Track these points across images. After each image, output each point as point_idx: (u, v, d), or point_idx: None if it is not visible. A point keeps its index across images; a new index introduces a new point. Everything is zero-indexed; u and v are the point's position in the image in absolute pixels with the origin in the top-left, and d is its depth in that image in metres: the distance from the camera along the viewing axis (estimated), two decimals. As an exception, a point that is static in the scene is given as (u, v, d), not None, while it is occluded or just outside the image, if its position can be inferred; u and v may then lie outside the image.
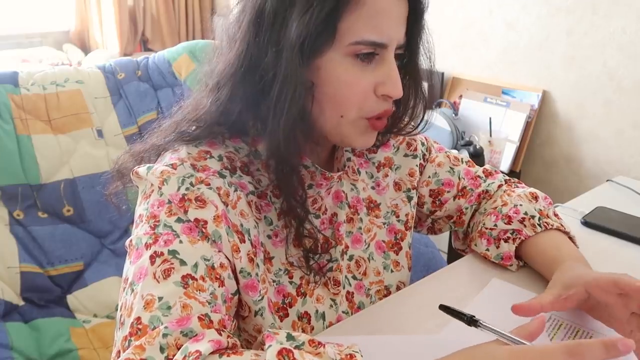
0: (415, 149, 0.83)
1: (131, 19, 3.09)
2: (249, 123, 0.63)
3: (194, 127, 0.64)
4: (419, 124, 0.75)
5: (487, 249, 0.81)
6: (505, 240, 0.79)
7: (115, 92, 1.30)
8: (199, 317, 0.51)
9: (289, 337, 0.50)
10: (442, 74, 2.14)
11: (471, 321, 0.55)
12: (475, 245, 0.83)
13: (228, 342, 0.50)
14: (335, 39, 0.57)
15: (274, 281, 0.67)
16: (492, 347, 0.50)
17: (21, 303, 1.09)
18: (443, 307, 0.58)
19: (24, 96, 1.17)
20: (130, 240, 0.59)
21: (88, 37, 3.07)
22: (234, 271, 0.60)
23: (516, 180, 0.90)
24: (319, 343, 0.50)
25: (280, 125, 0.58)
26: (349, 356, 0.49)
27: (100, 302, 1.17)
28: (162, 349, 0.48)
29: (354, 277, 0.75)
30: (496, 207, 0.82)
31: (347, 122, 0.62)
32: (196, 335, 0.49)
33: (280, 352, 0.47)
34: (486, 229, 0.81)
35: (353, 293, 0.75)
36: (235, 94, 0.60)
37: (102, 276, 1.19)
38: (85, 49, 3.06)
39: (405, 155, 0.82)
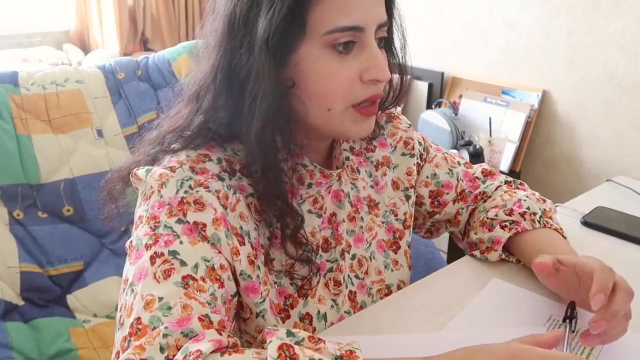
0: (413, 148, 0.83)
1: (131, 19, 3.09)
2: (236, 129, 0.63)
3: (180, 141, 0.63)
4: (398, 95, 0.73)
5: (482, 235, 0.82)
6: (502, 227, 0.80)
7: (115, 91, 1.30)
8: (199, 318, 0.50)
9: (289, 333, 0.50)
10: (442, 74, 2.14)
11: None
12: (476, 233, 0.83)
13: (229, 342, 0.50)
14: (307, 31, 0.57)
15: (275, 282, 0.66)
16: (493, 345, 0.51)
17: (21, 303, 1.09)
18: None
19: (23, 96, 1.17)
20: (131, 242, 0.59)
21: (88, 37, 3.07)
22: (233, 273, 0.60)
23: (518, 181, 0.90)
24: (319, 339, 0.50)
25: (253, 127, 0.57)
26: (348, 352, 0.49)
27: (100, 302, 1.17)
28: (162, 349, 0.48)
29: (357, 277, 0.75)
30: (498, 203, 0.82)
31: (336, 114, 0.61)
32: (196, 335, 0.49)
33: (280, 347, 0.47)
34: (487, 218, 0.82)
35: (355, 292, 0.74)
36: (216, 102, 0.60)
37: (102, 276, 1.19)
38: (85, 48, 3.06)
39: (403, 154, 0.82)
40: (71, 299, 1.15)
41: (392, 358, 0.53)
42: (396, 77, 0.72)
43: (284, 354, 0.47)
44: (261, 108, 0.57)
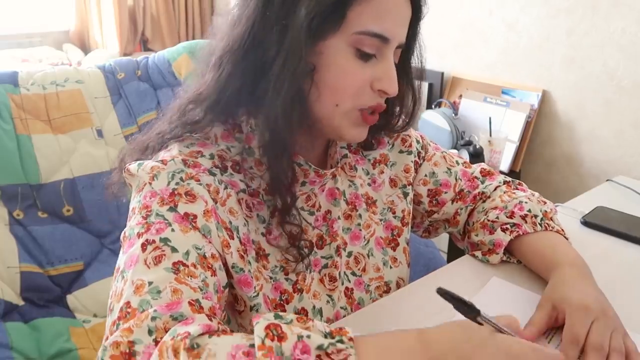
0: (410, 146, 0.83)
1: (131, 19, 3.09)
2: (243, 108, 0.64)
3: (197, 110, 0.64)
4: (408, 121, 0.76)
5: (483, 237, 0.82)
6: (503, 230, 0.80)
7: (115, 91, 1.30)
8: (189, 302, 0.50)
9: (277, 316, 0.49)
10: (442, 73, 2.14)
11: (469, 311, 0.50)
12: (477, 235, 0.83)
13: (218, 327, 0.50)
14: (342, 25, 0.59)
15: (270, 278, 0.67)
16: (487, 335, 0.51)
17: (21, 303, 1.09)
18: (441, 292, 0.50)
19: (23, 96, 1.17)
20: (124, 233, 0.59)
21: (88, 37, 3.07)
22: (225, 264, 0.60)
23: (517, 181, 0.90)
24: (308, 319, 0.49)
25: (280, 100, 0.58)
26: (338, 329, 0.49)
27: (100, 302, 1.17)
28: (150, 332, 0.47)
29: (353, 274, 0.75)
30: (498, 205, 0.82)
31: (341, 112, 0.63)
32: (186, 319, 0.49)
33: (267, 327, 0.46)
34: (488, 220, 0.82)
35: (352, 289, 0.75)
36: (235, 71, 0.60)
37: (102, 276, 1.19)
38: (85, 48, 3.06)
39: (400, 152, 0.83)
40: (71, 299, 1.15)
41: (385, 332, 0.52)
42: (409, 100, 0.74)
43: (271, 333, 0.46)
44: (291, 87, 0.58)
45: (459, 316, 0.54)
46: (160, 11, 3.16)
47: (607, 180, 1.27)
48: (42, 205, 1.16)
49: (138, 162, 0.62)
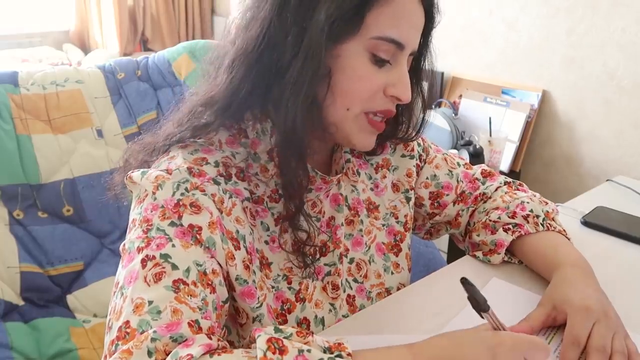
0: (412, 150, 0.83)
1: (131, 19, 3.09)
2: (250, 112, 0.64)
3: (208, 113, 0.63)
4: (418, 130, 0.76)
5: (484, 237, 0.82)
6: (505, 230, 0.80)
7: (115, 91, 1.30)
8: (188, 323, 0.50)
9: (277, 330, 0.50)
10: (442, 74, 2.14)
11: (479, 307, 0.54)
12: (478, 235, 0.83)
13: (218, 344, 0.50)
14: (361, 29, 0.59)
15: (272, 287, 0.66)
16: (479, 331, 0.54)
17: (21, 303, 1.09)
18: (465, 282, 0.55)
19: (23, 96, 1.17)
20: (124, 245, 0.59)
21: (88, 37, 3.07)
22: (226, 278, 0.59)
23: (518, 182, 0.90)
24: (307, 333, 0.50)
25: (298, 104, 0.58)
26: (337, 344, 0.50)
27: (100, 302, 1.17)
28: (150, 353, 0.47)
29: (355, 280, 0.75)
30: (500, 205, 0.82)
31: (352, 116, 0.62)
32: (186, 340, 0.49)
33: (269, 340, 0.47)
34: (490, 220, 0.82)
35: (354, 296, 0.74)
36: (248, 74, 0.60)
37: (102, 276, 1.19)
38: (85, 48, 3.06)
39: (402, 156, 0.82)
40: (71, 299, 1.15)
41: (377, 348, 0.54)
42: (417, 108, 0.74)
43: (272, 346, 0.47)
44: (310, 90, 0.58)
45: (459, 316, 0.55)
46: (160, 11, 3.16)
47: (607, 180, 1.27)
48: (42, 205, 1.15)
49: (141, 170, 0.61)
